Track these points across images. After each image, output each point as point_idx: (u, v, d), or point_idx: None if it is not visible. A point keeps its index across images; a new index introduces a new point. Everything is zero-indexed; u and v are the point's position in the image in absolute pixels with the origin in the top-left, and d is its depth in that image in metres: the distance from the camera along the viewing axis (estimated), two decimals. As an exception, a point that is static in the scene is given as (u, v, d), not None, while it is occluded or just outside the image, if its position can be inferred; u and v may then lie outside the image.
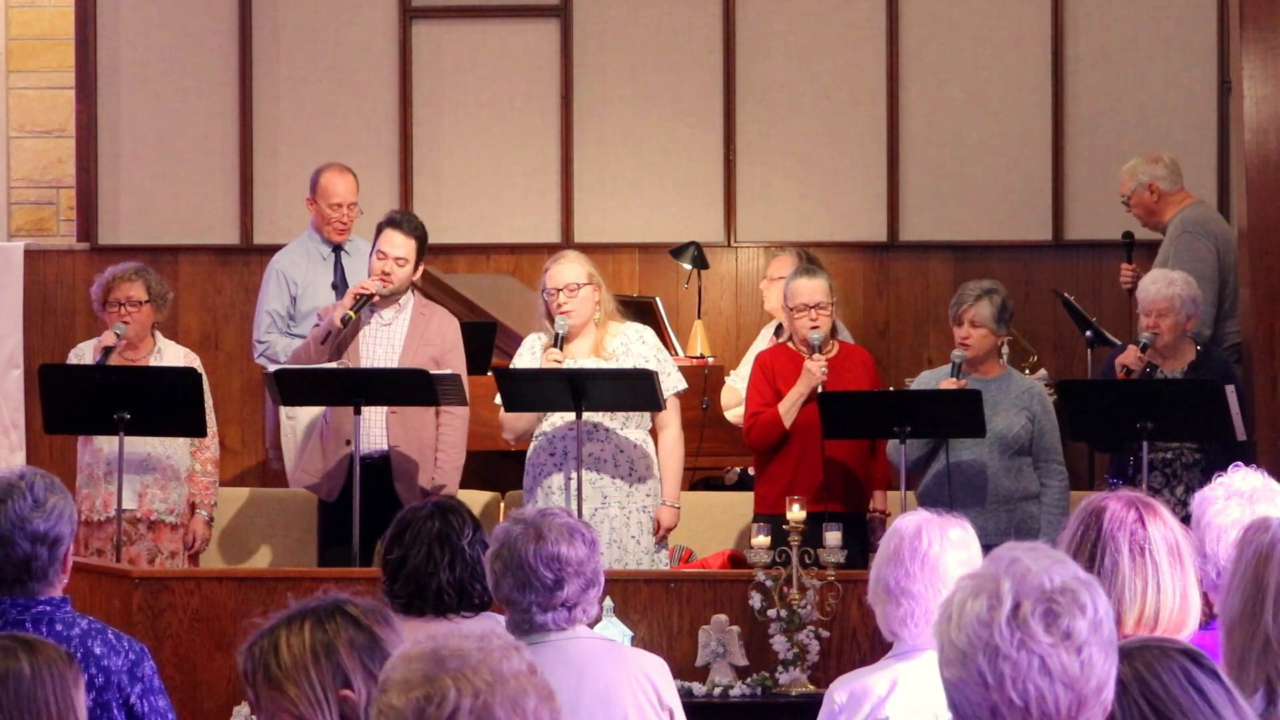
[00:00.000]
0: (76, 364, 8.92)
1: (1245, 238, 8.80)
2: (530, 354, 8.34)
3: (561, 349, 8.13)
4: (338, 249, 9.49)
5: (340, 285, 9.27)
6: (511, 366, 8.45)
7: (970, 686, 2.64)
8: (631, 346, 8.30)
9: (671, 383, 8.30)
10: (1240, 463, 4.36)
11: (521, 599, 4.86)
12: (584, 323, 8.26)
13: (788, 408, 8.45)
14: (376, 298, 8.46)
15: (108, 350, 8.74)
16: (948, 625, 2.67)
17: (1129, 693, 2.79)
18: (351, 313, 8.38)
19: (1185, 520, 4.21)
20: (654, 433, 8.37)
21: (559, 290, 8.19)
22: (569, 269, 8.24)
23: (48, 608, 4.51)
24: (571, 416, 8.13)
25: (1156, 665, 2.81)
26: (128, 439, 8.47)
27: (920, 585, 4.53)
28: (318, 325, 8.61)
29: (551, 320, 8.22)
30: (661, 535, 8.32)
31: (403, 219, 8.55)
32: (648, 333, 8.45)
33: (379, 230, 8.52)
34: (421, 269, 8.61)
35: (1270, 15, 8.65)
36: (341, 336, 8.45)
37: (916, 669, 4.56)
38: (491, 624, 5.12)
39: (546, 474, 8.24)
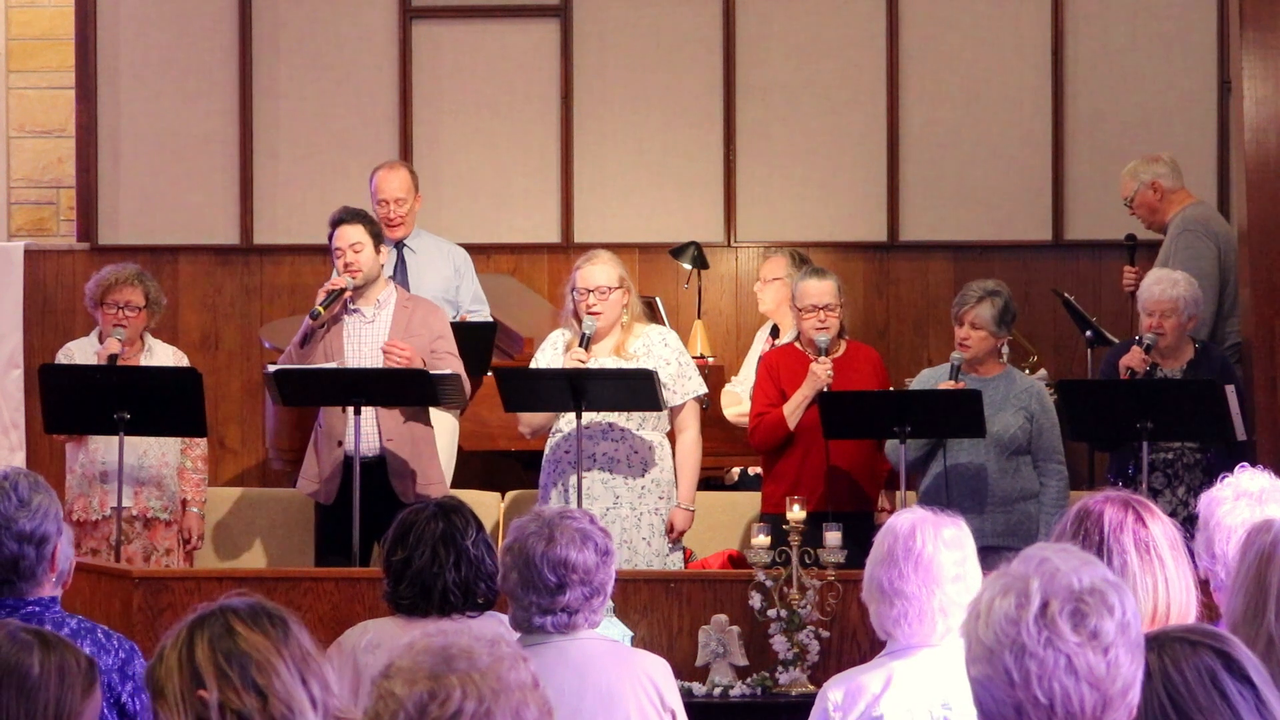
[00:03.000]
0: (77, 364, 8.90)
1: (1245, 238, 8.80)
2: (553, 349, 8.34)
3: (587, 349, 8.13)
4: (399, 245, 9.45)
5: (400, 281, 9.21)
6: (533, 361, 8.45)
7: (996, 684, 2.65)
8: (654, 349, 8.28)
9: (692, 387, 8.30)
10: (1245, 463, 4.37)
11: (523, 597, 4.86)
12: (611, 325, 8.25)
13: (792, 409, 8.45)
14: (349, 292, 8.48)
15: (113, 358, 8.74)
16: (975, 623, 2.68)
17: (1151, 682, 2.80)
18: (320, 308, 8.42)
19: (1187, 521, 4.23)
20: (672, 436, 8.37)
21: (589, 291, 8.18)
22: (601, 271, 8.21)
23: (36, 608, 4.50)
24: (588, 416, 8.12)
25: (1182, 660, 2.82)
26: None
27: (914, 586, 4.52)
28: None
29: (578, 319, 8.21)
30: (675, 537, 8.31)
31: (345, 213, 8.61)
32: (671, 336, 8.45)
33: (329, 236, 8.59)
34: (385, 252, 8.61)
35: (1270, 15, 8.65)
36: (318, 336, 8.47)
37: (911, 667, 4.57)
38: (495, 624, 5.12)
39: (563, 472, 8.24)
